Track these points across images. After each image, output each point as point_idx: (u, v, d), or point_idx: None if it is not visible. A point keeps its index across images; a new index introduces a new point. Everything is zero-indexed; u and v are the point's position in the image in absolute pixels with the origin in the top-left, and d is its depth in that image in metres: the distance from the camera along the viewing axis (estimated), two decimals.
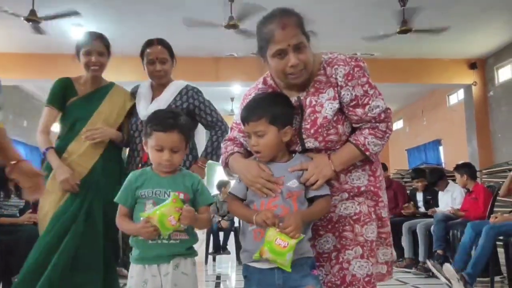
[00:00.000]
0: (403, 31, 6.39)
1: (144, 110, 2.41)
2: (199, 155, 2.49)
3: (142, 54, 2.47)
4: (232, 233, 6.25)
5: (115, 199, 1.65)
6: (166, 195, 1.58)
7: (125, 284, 1.72)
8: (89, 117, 2.39)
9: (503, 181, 4.48)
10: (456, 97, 10.09)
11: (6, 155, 1.68)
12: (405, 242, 5.11)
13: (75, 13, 5.75)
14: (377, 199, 1.67)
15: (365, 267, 1.57)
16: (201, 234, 5.57)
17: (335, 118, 1.59)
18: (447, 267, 3.68)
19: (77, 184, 2.28)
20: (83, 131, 2.35)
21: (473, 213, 4.56)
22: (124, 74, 6.57)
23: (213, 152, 2.45)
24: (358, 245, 1.59)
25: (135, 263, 1.60)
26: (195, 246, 1.69)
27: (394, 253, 1.85)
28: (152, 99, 2.48)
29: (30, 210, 4.09)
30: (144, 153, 2.24)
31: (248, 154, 1.69)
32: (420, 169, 6.10)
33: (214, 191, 6.91)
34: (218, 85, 8.98)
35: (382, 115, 1.59)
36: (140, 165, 2.34)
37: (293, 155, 1.61)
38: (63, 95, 2.43)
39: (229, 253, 6.25)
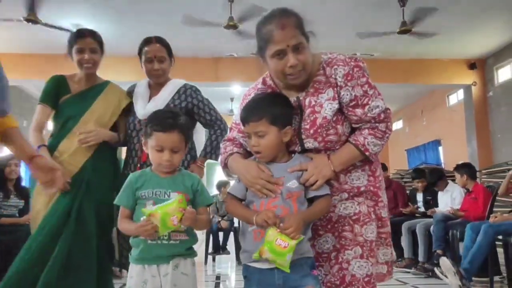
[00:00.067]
0: (402, 31, 6.40)
1: (142, 109, 2.39)
2: (198, 154, 2.48)
3: (140, 52, 2.44)
4: (231, 233, 6.25)
5: (115, 201, 1.65)
6: (166, 196, 1.58)
7: (124, 284, 1.72)
8: (81, 115, 2.35)
9: (503, 181, 4.50)
10: (456, 97, 10.08)
11: (22, 152, 1.71)
12: (404, 242, 5.11)
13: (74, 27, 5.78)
14: (376, 199, 1.67)
15: (364, 267, 1.57)
16: (201, 234, 5.57)
17: (334, 119, 1.59)
18: (444, 260, 3.68)
19: (68, 182, 2.22)
20: (75, 133, 2.29)
21: (473, 213, 4.57)
22: (123, 74, 6.58)
23: (212, 151, 2.43)
24: (358, 245, 1.59)
25: (134, 263, 1.60)
26: (195, 247, 1.69)
27: (394, 253, 1.85)
28: (150, 98, 2.45)
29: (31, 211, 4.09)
30: (143, 152, 2.23)
31: (247, 154, 1.69)
32: (421, 170, 6.10)
33: (214, 191, 6.91)
34: (218, 85, 8.98)
35: (382, 115, 1.59)
36: (138, 165, 2.33)
37: (293, 155, 1.61)
38: (56, 93, 2.39)
39: (228, 253, 6.25)
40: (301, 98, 1.61)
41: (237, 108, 1.90)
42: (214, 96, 9.67)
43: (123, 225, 1.62)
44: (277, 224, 1.42)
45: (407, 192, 6.06)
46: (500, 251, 4.03)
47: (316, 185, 1.54)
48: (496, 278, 4.02)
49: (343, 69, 1.55)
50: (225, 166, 1.70)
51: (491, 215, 4.14)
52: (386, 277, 1.70)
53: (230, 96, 10.68)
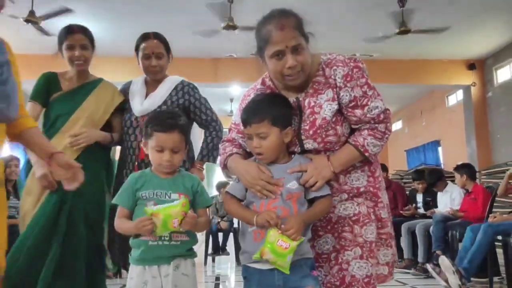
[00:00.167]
0: (402, 32, 6.40)
1: (139, 105, 2.35)
2: (195, 154, 2.45)
3: (137, 48, 2.38)
4: (231, 234, 6.24)
5: (114, 201, 1.64)
6: (167, 197, 1.58)
7: (124, 285, 1.72)
8: (71, 113, 2.28)
9: (502, 182, 4.50)
10: (455, 98, 10.09)
11: (41, 151, 1.71)
12: (404, 242, 5.11)
13: (67, 10, 5.75)
14: (376, 200, 1.67)
15: (364, 267, 1.57)
16: (200, 235, 5.56)
17: (334, 119, 1.59)
18: (443, 259, 3.68)
19: (56, 181, 2.11)
20: (65, 132, 2.23)
21: (472, 213, 4.57)
22: (123, 74, 6.55)
23: (209, 153, 2.40)
24: (358, 245, 1.59)
25: (135, 264, 1.59)
26: (194, 247, 1.69)
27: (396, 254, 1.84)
28: (147, 95, 2.40)
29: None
30: (141, 150, 2.19)
31: (247, 155, 1.69)
32: (421, 171, 6.10)
33: (214, 192, 6.91)
34: (217, 86, 8.98)
35: (381, 116, 1.59)
36: (136, 162, 2.29)
37: (293, 156, 1.62)
38: (46, 90, 2.33)
39: (228, 254, 6.24)
40: (300, 99, 1.61)
41: (236, 108, 1.90)
42: (214, 96, 9.69)
43: (121, 224, 1.61)
44: (279, 225, 1.42)
45: (407, 192, 6.06)
46: (499, 251, 4.03)
47: (316, 186, 1.54)
48: (495, 278, 4.02)
49: (342, 70, 1.55)
50: (224, 167, 1.70)
51: (490, 215, 4.14)
52: (387, 278, 1.70)
53: (230, 97, 10.69)
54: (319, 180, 1.54)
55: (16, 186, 4.54)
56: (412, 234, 5.03)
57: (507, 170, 4.68)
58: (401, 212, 5.45)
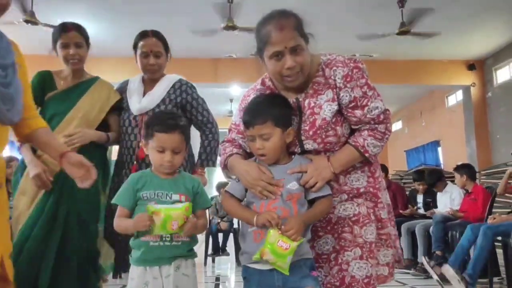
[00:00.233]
0: (401, 33, 6.41)
1: (137, 104, 2.32)
2: (194, 154, 2.42)
3: (135, 46, 2.35)
4: (231, 235, 6.24)
5: (114, 201, 1.64)
6: (167, 197, 1.58)
7: (124, 286, 1.71)
8: (66, 113, 2.24)
9: (501, 180, 4.52)
10: (455, 98, 10.09)
11: (52, 151, 1.71)
12: (404, 243, 5.11)
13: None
14: (376, 200, 1.67)
15: (364, 268, 1.57)
16: (200, 235, 5.55)
17: (333, 120, 1.59)
18: (448, 269, 3.68)
19: (50, 181, 2.11)
20: (59, 131, 2.19)
21: (472, 214, 4.57)
22: (123, 74, 6.54)
23: (208, 158, 2.35)
24: (357, 246, 1.59)
25: (136, 265, 1.59)
26: (194, 248, 1.69)
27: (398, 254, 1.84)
28: (144, 93, 2.37)
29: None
30: (141, 149, 2.17)
31: (247, 155, 1.69)
32: (422, 171, 6.09)
33: (214, 193, 6.90)
34: (217, 86, 8.98)
35: (381, 116, 1.59)
36: (135, 162, 2.27)
37: (293, 156, 1.62)
38: (41, 88, 2.29)
39: (228, 254, 6.24)
40: (300, 100, 1.61)
41: (236, 109, 1.89)
42: (213, 97, 9.72)
43: (120, 223, 1.60)
44: (279, 225, 1.42)
45: (407, 193, 6.06)
46: (499, 252, 4.03)
47: (316, 187, 1.54)
48: (495, 279, 4.02)
49: (342, 70, 1.55)
50: (224, 167, 1.70)
51: (489, 216, 4.14)
52: (388, 278, 1.70)
53: (229, 97, 10.68)
54: (319, 181, 1.54)
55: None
56: (412, 234, 5.03)
57: (507, 170, 4.69)
58: (401, 212, 5.45)
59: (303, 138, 1.60)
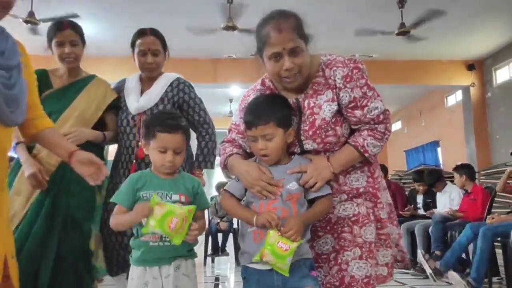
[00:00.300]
0: (401, 33, 6.41)
1: (135, 103, 2.30)
2: (193, 155, 2.39)
3: (133, 44, 2.32)
4: (231, 235, 6.24)
5: (112, 199, 1.63)
6: (167, 197, 1.58)
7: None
8: (62, 112, 2.20)
9: (501, 177, 4.53)
10: (454, 99, 10.10)
11: (60, 151, 1.69)
12: (403, 243, 5.10)
13: (74, 16, 5.74)
14: (375, 201, 1.68)
15: (363, 268, 1.57)
16: (200, 235, 5.55)
17: (333, 120, 1.59)
18: (453, 275, 3.69)
19: (46, 180, 2.07)
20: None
21: (472, 214, 4.58)
22: (123, 74, 6.54)
23: (205, 159, 2.33)
24: (357, 246, 1.59)
25: (135, 265, 1.59)
26: (194, 248, 1.69)
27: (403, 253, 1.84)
28: (142, 92, 2.34)
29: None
30: (140, 149, 2.16)
31: (247, 155, 1.69)
32: (423, 172, 6.10)
33: (213, 193, 6.91)
34: (217, 86, 8.99)
35: (381, 117, 1.59)
36: (135, 161, 2.24)
37: (292, 156, 1.62)
38: (37, 87, 2.18)
39: (227, 254, 6.24)
40: (300, 100, 1.61)
41: (236, 109, 1.89)
42: (213, 97, 9.72)
43: (118, 219, 1.59)
44: (279, 226, 1.43)
45: (406, 193, 6.06)
46: (498, 252, 4.04)
47: (316, 187, 1.54)
48: (495, 279, 4.02)
49: (342, 71, 1.56)
50: (224, 167, 1.70)
51: (488, 217, 4.15)
52: (387, 279, 1.70)
53: (229, 97, 10.68)
54: (319, 181, 1.54)
55: None
56: (411, 234, 5.04)
57: (507, 169, 4.70)
58: (400, 213, 5.46)
59: (302, 138, 1.60)
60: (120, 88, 2.42)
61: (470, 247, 4.10)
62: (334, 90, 1.57)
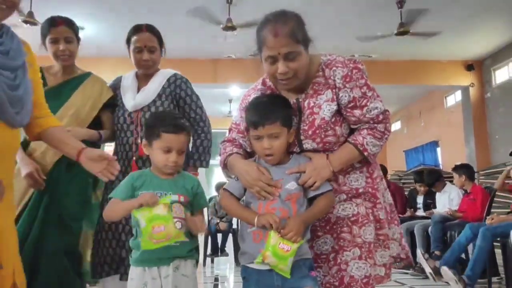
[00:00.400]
0: (400, 33, 6.42)
1: (132, 100, 2.26)
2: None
3: (128, 40, 2.27)
4: (230, 235, 6.24)
5: (111, 195, 1.62)
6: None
7: None
8: (56, 110, 2.11)
9: (500, 175, 4.54)
10: (454, 99, 10.11)
11: (68, 149, 1.68)
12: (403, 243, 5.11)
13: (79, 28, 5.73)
14: (374, 201, 1.67)
15: (363, 268, 1.57)
16: (199, 236, 5.55)
17: (333, 120, 1.59)
18: (445, 271, 3.69)
19: (43, 179, 2.04)
20: None
21: (471, 214, 4.58)
22: (123, 74, 6.57)
23: (200, 158, 2.29)
24: (356, 246, 1.59)
25: (134, 265, 1.59)
26: None
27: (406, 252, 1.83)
28: (138, 89, 2.30)
29: None
30: (139, 146, 2.13)
31: (247, 155, 1.69)
32: (423, 172, 6.10)
33: (213, 193, 6.90)
34: (216, 86, 8.99)
35: (380, 117, 1.59)
36: (134, 158, 2.21)
37: (291, 156, 1.62)
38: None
39: (227, 255, 6.23)
40: (300, 100, 1.62)
41: (236, 109, 1.89)
42: (213, 97, 9.72)
43: (115, 206, 1.58)
44: (280, 228, 1.43)
45: (406, 193, 6.06)
46: (498, 252, 4.04)
47: (315, 186, 1.54)
48: (494, 279, 4.03)
49: (342, 71, 1.56)
50: (224, 167, 1.70)
51: (487, 217, 4.15)
52: (384, 279, 1.70)
53: (229, 98, 10.68)
54: (318, 180, 1.54)
55: None
56: (411, 234, 5.04)
57: (507, 168, 4.70)
58: (399, 215, 5.46)
59: (302, 138, 1.61)
60: (116, 86, 2.39)
61: (470, 247, 4.10)
62: (334, 90, 1.57)
